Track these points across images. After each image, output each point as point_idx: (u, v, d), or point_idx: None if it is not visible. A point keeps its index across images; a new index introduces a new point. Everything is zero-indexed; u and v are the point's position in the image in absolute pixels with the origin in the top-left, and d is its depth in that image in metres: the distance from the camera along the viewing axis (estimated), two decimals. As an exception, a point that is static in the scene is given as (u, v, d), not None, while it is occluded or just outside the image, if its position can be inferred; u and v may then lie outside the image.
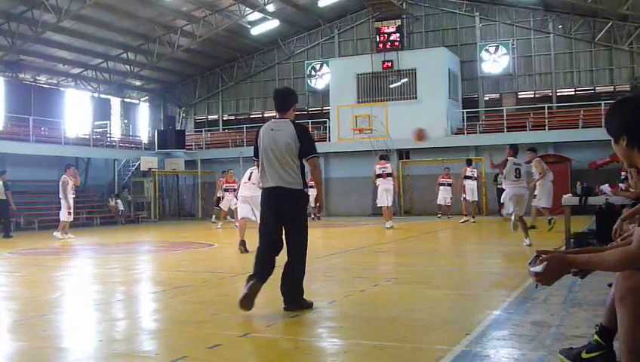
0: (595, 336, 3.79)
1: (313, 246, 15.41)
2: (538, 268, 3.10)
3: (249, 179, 13.30)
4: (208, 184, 34.53)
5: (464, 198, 23.28)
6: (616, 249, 3.14)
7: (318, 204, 7.36)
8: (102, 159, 33.92)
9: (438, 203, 25.75)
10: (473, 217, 22.88)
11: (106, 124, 36.11)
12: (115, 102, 38.01)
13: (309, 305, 6.43)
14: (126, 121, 38.95)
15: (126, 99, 39.10)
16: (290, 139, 6.43)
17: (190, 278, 9.57)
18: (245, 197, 13.25)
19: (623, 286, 2.95)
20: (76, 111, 35.19)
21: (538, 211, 17.99)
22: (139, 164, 34.03)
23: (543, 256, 3.13)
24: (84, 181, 33.28)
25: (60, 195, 19.45)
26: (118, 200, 31.28)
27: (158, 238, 19.82)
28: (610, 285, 3.49)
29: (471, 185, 23.26)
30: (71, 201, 19.35)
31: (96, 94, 36.11)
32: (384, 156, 20.51)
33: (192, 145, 36.32)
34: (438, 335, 5.31)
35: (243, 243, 12.77)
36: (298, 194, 6.43)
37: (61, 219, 19.63)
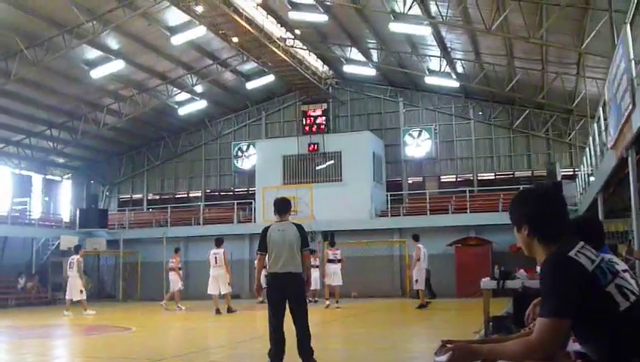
0: None
1: (236, 332, 15.14)
2: (443, 359, 3.11)
3: (216, 262, 19.72)
4: (130, 265, 33.72)
5: (324, 282, 22.48)
6: (518, 339, 3.17)
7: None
8: (20, 238, 32.83)
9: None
10: (337, 302, 21.60)
11: (26, 201, 35.17)
12: (37, 179, 37.13)
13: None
14: (47, 199, 38.03)
15: (48, 176, 38.29)
16: (295, 236, 8.46)
17: (103, 365, 9.23)
18: (215, 276, 19.74)
19: (525, 376, 2.96)
20: (-5, 188, 34.28)
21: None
22: (59, 243, 33.03)
23: (448, 345, 3.14)
24: (-1, 261, 32.25)
25: (72, 274, 21.11)
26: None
27: (74, 321, 19.12)
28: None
29: (333, 269, 22.14)
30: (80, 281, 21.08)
31: (17, 170, 35.27)
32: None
33: (114, 225, 35.58)
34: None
35: (218, 310, 19.14)
36: (301, 277, 8.46)
37: (76, 299, 20.92)
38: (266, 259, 8.60)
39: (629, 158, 11.05)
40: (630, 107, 9.99)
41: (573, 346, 3.36)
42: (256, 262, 9.20)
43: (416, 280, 20.03)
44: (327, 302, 21.44)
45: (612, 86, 12.23)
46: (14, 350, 12.18)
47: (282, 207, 8.89)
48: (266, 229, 8.71)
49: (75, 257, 21.33)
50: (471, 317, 15.05)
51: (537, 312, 5.78)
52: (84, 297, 21.20)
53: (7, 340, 14.32)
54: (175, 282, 23.05)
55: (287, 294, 8.34)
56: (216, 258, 19.83)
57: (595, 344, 3.01)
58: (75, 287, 20.91)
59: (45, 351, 11.79)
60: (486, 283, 11.90)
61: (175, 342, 13.49)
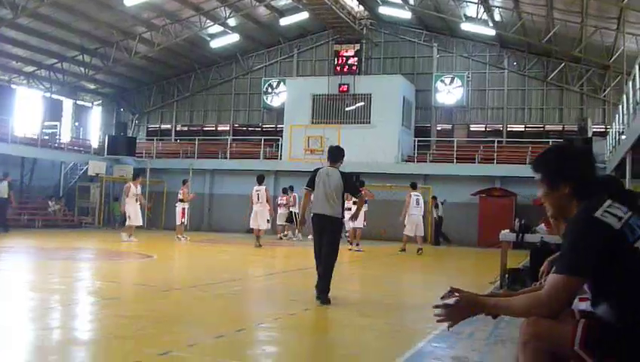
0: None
1: (254, 266, 15.37)
2: (450, 301, 3.14)
3: (258, 199, 20.42)
4: (155, 194, 34.09)
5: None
6: (526, 295, 3.18)
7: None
8: (49, 161, 33.26)
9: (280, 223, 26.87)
10: (357, 244, 20.72)
11: (57, 125, 35.49)
12: (68, 104, 37.43)
13: (328, 301, 8.50)
14: (77, 124, 38.37)
15: (79, 102, 38.56)
16: (339, 183, 9.09)
17: (122, 290, 9.45)
18: (256, 212, 20.43)
19: (527, 331, 2.98)
20: (26, 110, 34.59)
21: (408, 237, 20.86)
22: (87, 168, 33.43)
23: (457, 293, 3.17)
24: (28, 182, 32.74)
25: (126, 200, 21.55)
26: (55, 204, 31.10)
27: (99, 245, 19.50)
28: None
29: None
30: (132, 208, 21.15)
31: (48, 94, 35.54)
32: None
33: (142, 153, 35.82)
34: (359, 365, 5.31)
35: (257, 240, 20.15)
36: (338, 221, 9.20)
37: (130, 223, 21.11)
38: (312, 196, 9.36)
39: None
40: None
41: (579, 305, 3.35)
42: (303, 196, 9.74)
43: (404, 226, 20.69)
44: (350, 246, 20.90)
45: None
46: (40, 270, 12.51)
47: (335, 154, 9.55)
48: (317, 170, 9.41)
49: (128, 184, 21.98)
50: (489, 268, 15.12)
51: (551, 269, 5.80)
52: (131, 223, 21.08)
53: (34, 260, 14.69)
54: (179, 213, 23.40)
55: (322, 233, 9.03)
56: (258, 195, 20.52)
57: (618, 300, 2.94)
58: (127, 213, 21.35)
59: (68, 273, 12.06)
60: (505, 235, 11.91)
61: (194, 271, 13.71)
